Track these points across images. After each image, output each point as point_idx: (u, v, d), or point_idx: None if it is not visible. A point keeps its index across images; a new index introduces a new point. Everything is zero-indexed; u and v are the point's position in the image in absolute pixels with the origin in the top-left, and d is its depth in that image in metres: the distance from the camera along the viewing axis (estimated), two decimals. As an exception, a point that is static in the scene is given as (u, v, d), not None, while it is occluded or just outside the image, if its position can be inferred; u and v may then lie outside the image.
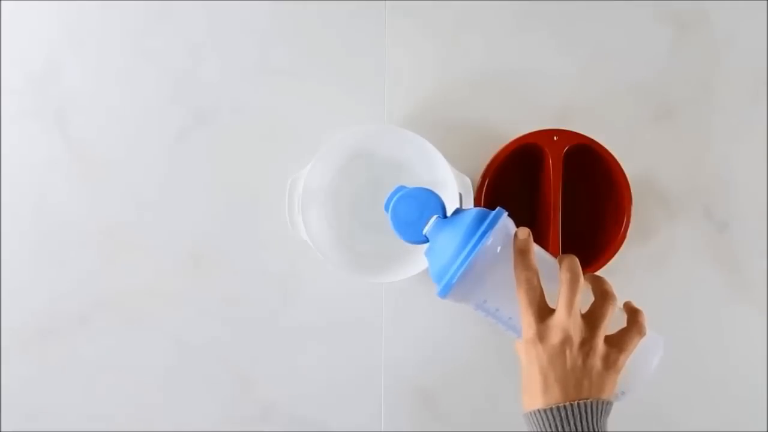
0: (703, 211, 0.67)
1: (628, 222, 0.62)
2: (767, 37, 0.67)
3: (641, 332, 0.45)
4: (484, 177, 0.63)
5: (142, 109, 0.68)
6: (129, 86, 0.68)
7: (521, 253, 0.45)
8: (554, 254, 0.54)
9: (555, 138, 0.61)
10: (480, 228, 0.44)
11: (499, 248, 0.45)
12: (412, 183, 0.52)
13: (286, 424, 0.68)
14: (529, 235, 0.46)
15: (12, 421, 0.69)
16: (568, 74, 0.68)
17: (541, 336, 0.44)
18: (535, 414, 0.44)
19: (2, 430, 0.69)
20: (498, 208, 0.46)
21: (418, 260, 0.61)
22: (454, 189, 0.59)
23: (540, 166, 0.64)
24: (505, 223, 0.46)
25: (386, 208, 0.49)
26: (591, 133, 0.62)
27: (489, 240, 0.44)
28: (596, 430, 0.42)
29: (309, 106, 0.68)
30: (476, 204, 0.63)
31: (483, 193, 0.63)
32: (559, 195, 0.61)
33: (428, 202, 0.48)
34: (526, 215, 0.67)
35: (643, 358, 0.47)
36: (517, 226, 0.49)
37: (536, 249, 0.47)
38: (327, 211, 0.65)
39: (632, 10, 0.68)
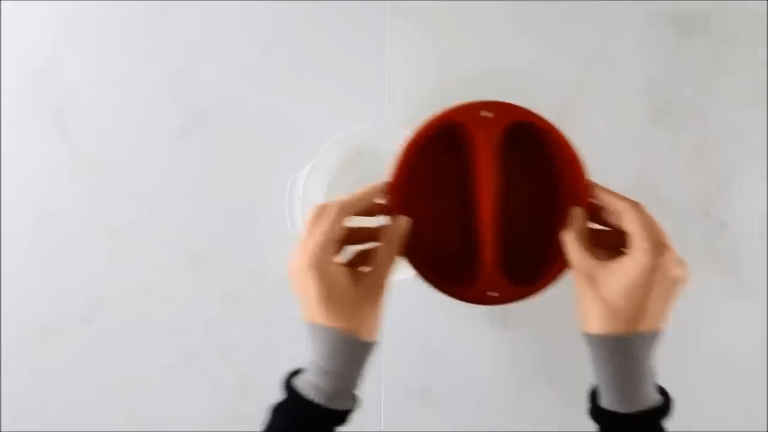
0: (703, 211, 0.68)
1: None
2: (767, 37, 0.67)
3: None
4: (393, 178, 0.49)
5: (142, 109, 0.68)
6: (129, 86, 0.68)
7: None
8: (489, 263, 0.48)
9: (484, 114, 0.47)
10: None
11: None
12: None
13: (286, 424, 0.68)
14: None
15: (12, 421, 0.69)
16: (568, 74, 0.68)
17: None
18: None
19: (2, 430, 0.69)
20: None
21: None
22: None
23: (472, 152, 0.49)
24: None
25: None
26: (591, 132, 0.62)
27: None
28: None
29: (309, 106, 0.68)
30: (388, 211, 0.49)
31: (397, 192, 0.49)
32: (492, 188, 0.48)
33: None
34: (461, 218, 0.51)
35: None
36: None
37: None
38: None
39: (632, 11, 0.68)
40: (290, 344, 0.68)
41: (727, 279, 0.67)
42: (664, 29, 0.68)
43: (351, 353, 0.46)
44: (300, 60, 0.68)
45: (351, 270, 0.47)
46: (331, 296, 0.45)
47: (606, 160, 0.67)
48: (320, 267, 0.45)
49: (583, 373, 0.72)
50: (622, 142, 0.67)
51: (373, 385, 0.68)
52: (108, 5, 0.68)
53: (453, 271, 0.51)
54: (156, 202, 0.68)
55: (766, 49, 0.67)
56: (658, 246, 0.43)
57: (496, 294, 0.49)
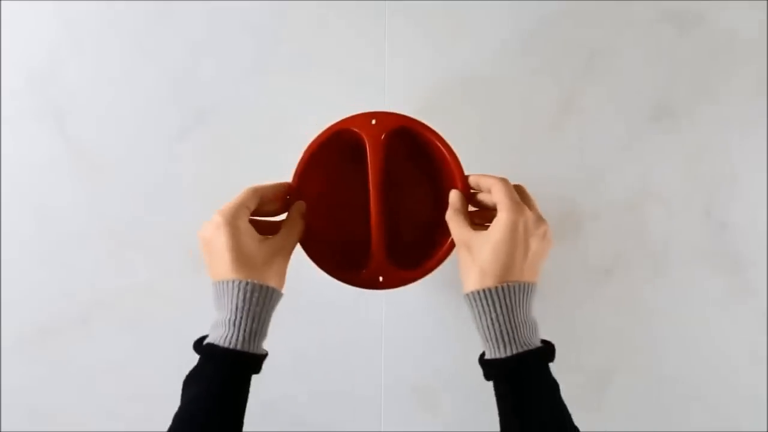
0: (703, 211, 0.68)
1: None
2: (767, 36, 0.67)
3: None
4: (294, 177, 0.57)
5: (142, 109, 0.68)
6: (129, 86, 0.68)
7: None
8: (376, 250, 0.56)
9: (373, 122, 0.56)
10: None
11: None
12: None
13: (286, 424, 0.68)
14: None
15: (12, 421, 0.69)
16: (568, 74, 0.68)
17: None
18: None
19: (2, 430, 0.69)
20: None
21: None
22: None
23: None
24: None
25: None
26: (590, 132, 0.62)
27: None
28: None
29: (309, 105, 0.68)
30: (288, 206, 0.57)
31: (297, 190, 0.57)
32: (379, 186, 0.56)
33: None
34: (363, 214, 0.58)
35: None
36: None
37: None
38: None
39: (632, 10, 0.68)
40: (289, 344, 0.68)
41: (727, 279, 0.67)
42: (664, 28, 0.68)
43: (260, 298, 0.49)
44: (300, 60, 0.68)
45: (259, 234, 0.52)
46: (240, 249, 0.50)
47: (606, 160, 0.67)
48: (233, 224, 0.50)
49: (584, 374, 0.72)
50: (622, 142, 0.67)
51: (373, 385, 0.68)
52: (108, 5, 0.68)
53: (356, 262, 0.58)
54: (156, 202, 0.68)
55: (765, 48, 0.67)
56: (518, 206, 0.49)
57: (383, 279, 0.56)
